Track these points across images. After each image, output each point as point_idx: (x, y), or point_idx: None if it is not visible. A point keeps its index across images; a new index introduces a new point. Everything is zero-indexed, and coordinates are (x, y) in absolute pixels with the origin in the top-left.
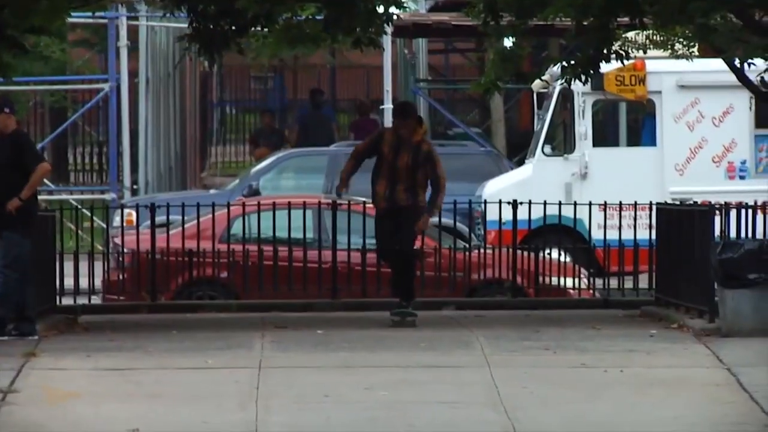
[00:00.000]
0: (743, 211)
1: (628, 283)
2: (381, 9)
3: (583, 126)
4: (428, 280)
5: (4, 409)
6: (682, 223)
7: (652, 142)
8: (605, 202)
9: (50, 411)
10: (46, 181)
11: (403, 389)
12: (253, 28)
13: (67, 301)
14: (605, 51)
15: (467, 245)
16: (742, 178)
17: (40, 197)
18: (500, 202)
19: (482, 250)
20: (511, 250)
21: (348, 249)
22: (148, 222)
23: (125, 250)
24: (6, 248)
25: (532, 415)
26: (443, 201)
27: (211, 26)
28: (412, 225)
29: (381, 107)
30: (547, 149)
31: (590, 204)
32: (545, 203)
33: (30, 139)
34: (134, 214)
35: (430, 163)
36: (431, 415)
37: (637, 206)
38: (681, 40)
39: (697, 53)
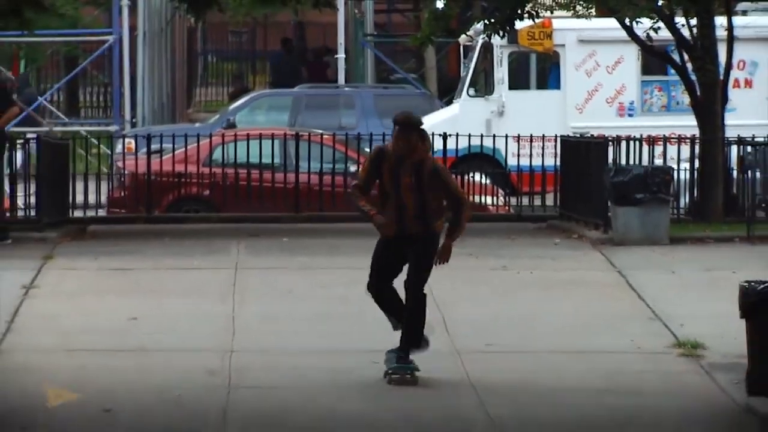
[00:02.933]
0: (632, 142)
1: (538, 202)
2: None
3: (501, 73)
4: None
5: (26, 302)
6: (581, 152)
7: (557, 86)
8: (518, 135)
9: (64, 303)
10: (60, 114)
11: (353, 287)
12: None
13: (78, 214)
14: (519, 11)
15: None
16: (630, 115)
17: (56, 128)
18: (433, 134)
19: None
20: None
21: (308, 172)
22: (145, 149)
23: (126, 172)
24: None
25: (461, 310)
26: (467, 222)
27: None
28: (425, 258)
29: (335, 56)
30: (471, 92)
31: (506, 136)
32: (469, 136)
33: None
34: (133, 142)
35: (439, 182)
36: (375, 309)
37: (545, 138)
38: (581, 2)
39: (594, 13)
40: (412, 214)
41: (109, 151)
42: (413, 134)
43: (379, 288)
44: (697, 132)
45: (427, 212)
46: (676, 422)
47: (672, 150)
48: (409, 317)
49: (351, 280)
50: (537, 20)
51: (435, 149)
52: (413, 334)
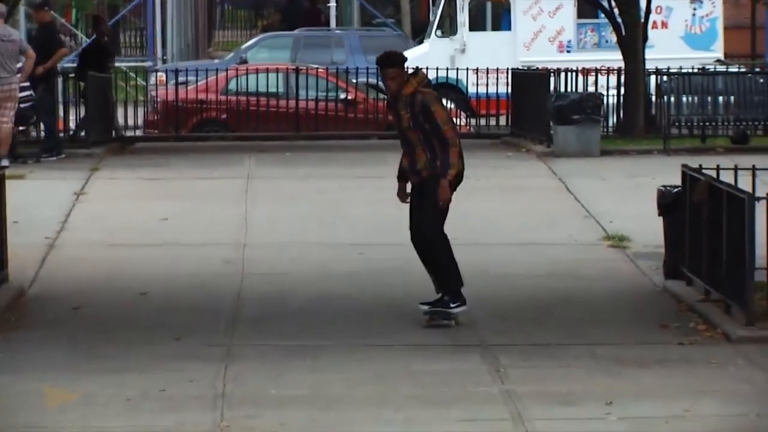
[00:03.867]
0: (569, 74)
1: (493, 122)
2: None
3: (463, 17)
4: (360, 120)
5: (77, 205)
6: (528, 82)
7: (509, 28)
8: (477, 68)
9: (107, 207)
10: None
11: (343, 192)
12: None
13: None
14: None
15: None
16: (568, 52)
17: None
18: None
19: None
20: None
21: (306, 99)
22: (174, 81)
23: (158, 100)
24: (40, 99)
25: None
26: (457, 158)
27: None
28: (430, 200)
29: (327, 4)
30: (438, 33)
31: (467, 69)
32: (437, 69)
33: (56, 30)
34: (164, 75)
35: (426, 115)
36: (361, 210)
37: (498, 71)
38: None
39: None
40: (421, 152)
41: (144, 83)
42: (394, 69)
43: (412, 237)
44: (622, 65)
45: (433, 150)
46: (606, 299)
47: (602, 79)
48: (428, 259)
49: (342, 186)
50: None
51: None
52: (440, 273)
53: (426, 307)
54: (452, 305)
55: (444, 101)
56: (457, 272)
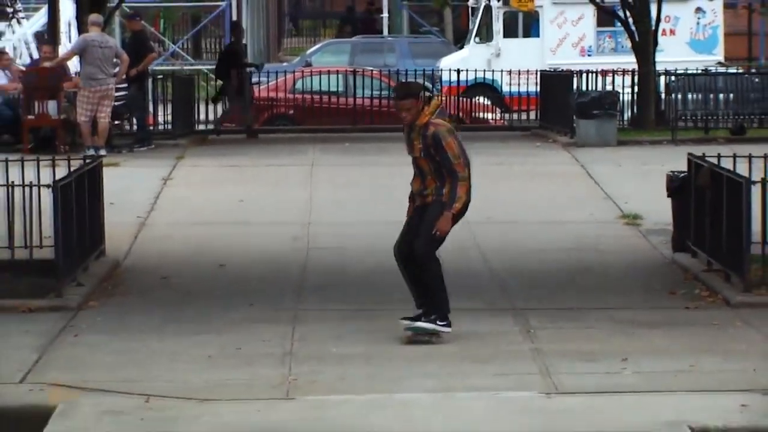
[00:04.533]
0: (590, 75)
1: (524, 117)
2: None
3: (498, 26)
4: None
5: (165, 189)
6: (554, 81)
7: (537, 35)
8: (510, 70)
9: (191, 190)
10: (188, 57)
11: (394, 178)
12: None
13: (201, 127)
14: None
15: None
16: (589, 55)
17: (185, 67)
18: (450, 70)
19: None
20: (456, 97)
21: (362, 97)
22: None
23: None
24: (133, 98)
25: None
26: (464, 192)
27: None
28: (430, 223)
29: (381, 15)
30: (477, 40)
31: (501, 71)
32: (476, 71)
33: (146, 37)
34: None
35: (438, 148)
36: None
37: (528, 72)
38: None
39: None
40: (431, 181)
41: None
42: (410, 100)
43: (396, 248)
44: (636, 67)
45: (442, 180)
46: (622, 269)
47: (618, 80)
48: (415, 277)
49: (393, 172)
50: None
51: (452, 80)
52: (426, 293)
53: (407, 323)
54: (440, 323)
55: (481, 98)
56: (446, 297)
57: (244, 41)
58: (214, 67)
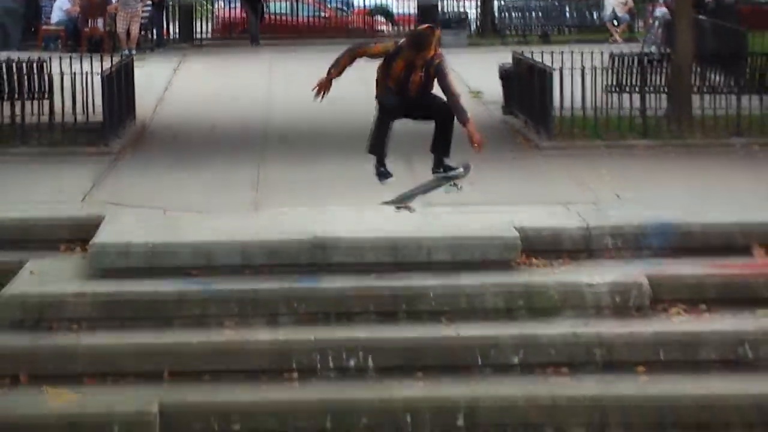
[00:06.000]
0: (447, 0)
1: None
2: None
3: None
4: (332, 29)
5: (174, 76)
6: (426, 5)
7: None
8: None
9: (192, 77)
10: None
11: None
12: None
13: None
14: None
15: None
16: None
17: None
18: None
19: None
20: (363, 16)
21: (305, 17)
22: (230, 6)
23: (220, 16)
24: (154, 17)
25: None
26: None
27: None
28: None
29: None
30: None
31: None
32: None
33: None
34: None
35: (440, 75)
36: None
37: None
38: None
39: None
40: (412, 94)
41: (211, 6)
42: (426, 50)
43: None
44: None
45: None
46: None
47: (468, 4)
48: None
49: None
50: None
51: (359, 5)
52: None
53: (440, 174)
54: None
55: (380, 20)
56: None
57: None
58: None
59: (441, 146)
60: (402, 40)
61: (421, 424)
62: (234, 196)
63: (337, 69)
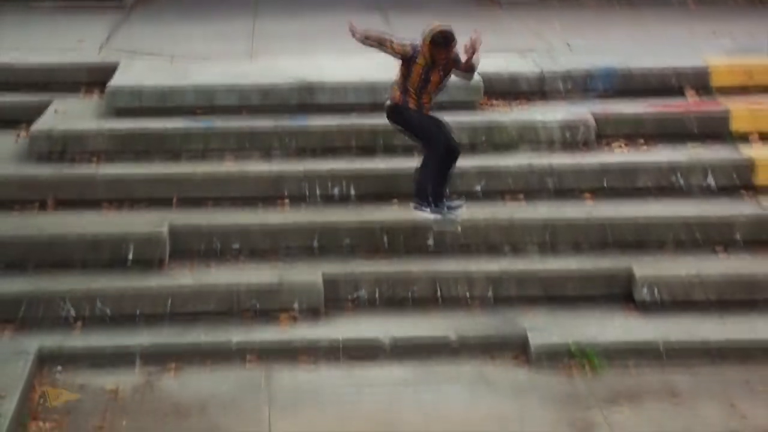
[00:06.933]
0: None
1: None
2: None
3: None
4: None
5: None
6: None
7: None
8: None
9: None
10: None
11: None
12: None
13: None
14: None
15: None
16: None
17: None
18: None
19: None
20: None
21: None
22: None
23: None
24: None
25: None
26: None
27: None
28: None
29: None
30: None
31: None
32: None
33: None
34: None
35: (456, 62)
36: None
37: None
38: None
39: None
40: (429, 98)
41: None
42: (452, 48)
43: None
44: None
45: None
46: None
47: None
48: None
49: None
50: None
51: None
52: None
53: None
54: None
55: None
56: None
57: None
58: None
59: (442, 181)
60: (417, 43)
61: (395, 242)
62: (233, 45)
63: (364, 40)
